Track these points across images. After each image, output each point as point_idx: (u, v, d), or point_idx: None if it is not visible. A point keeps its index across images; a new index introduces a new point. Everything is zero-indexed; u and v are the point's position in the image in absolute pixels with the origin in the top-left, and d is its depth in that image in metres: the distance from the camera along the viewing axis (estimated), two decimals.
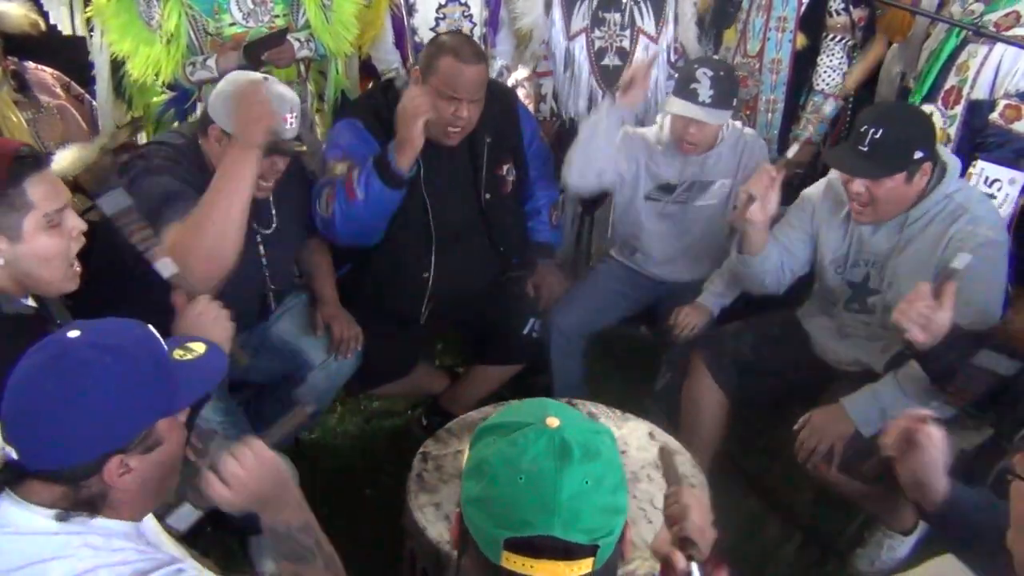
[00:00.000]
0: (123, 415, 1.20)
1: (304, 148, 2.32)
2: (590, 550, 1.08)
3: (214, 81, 2.72)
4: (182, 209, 1.99)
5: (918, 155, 2.23)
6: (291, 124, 2.25)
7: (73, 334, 1.22)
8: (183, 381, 1.28)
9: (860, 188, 2.29)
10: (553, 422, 1.10)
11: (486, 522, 1.07)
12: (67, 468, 1.19)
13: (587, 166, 2.74)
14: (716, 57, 3.10)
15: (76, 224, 1.70)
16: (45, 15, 2.97)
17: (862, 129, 2.24)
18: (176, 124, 2.88)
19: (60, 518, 1.19)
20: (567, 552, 1.06)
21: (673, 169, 2.86)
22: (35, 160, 1.65)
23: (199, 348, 1.34)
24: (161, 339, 1.31)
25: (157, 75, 2.73)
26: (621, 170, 2.84)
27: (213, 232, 1.91)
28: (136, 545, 1.26)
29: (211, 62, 2.74)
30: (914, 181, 2.27)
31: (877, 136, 2.21)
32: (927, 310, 1.97)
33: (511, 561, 1.06)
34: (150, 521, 1.37)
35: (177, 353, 1.31)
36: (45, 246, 1.64)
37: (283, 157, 2.30)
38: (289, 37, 2.82)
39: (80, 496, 1.21)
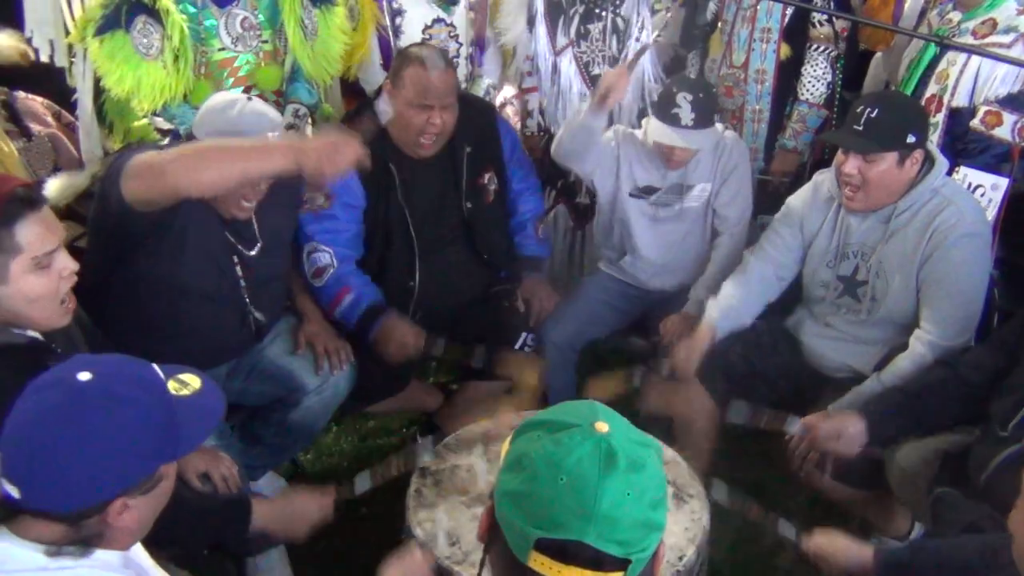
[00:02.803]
0: (130, 463, 1.21)
1: None
2: (621, 563, 1.04)
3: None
4: None
5: (911, 139, 2.27)
6: None
7: (84, 376, 1.20)
8: (185, 424, 1.27)
9: (852, 170, 2.32)
10: (602, 427, 1.06)
11: (519, 518, 1.04)
12: (70, 511, 1.19)
13: (572, 154, 2.81)
14: (693, 77, 3.14)
15: (67, 265, 1.69)
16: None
17: (858, 110, 2.31)
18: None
19: (51, 553, 1.19)
20: (597, 562, 1.03)
21: (655, 175, 2.89)
22: (30, 201, 1.64)
23: (194, 382, 1.33)
24: (163, 377, 1.30)
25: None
26: (604, 166, 2.91)
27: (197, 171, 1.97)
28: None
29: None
30: (905, 166, 2.31)
31: (872, 115, 2.27)
32: (830, 441, 2.20)
33: (538, 562, 1.03)
34: (137, 547, 1.37)
35: (172, 386, 1.30)
36: (32, 286, 1.64)
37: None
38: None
39: (79, 535, 1.21)
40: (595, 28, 3.15)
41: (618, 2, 3.11)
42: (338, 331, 2.67)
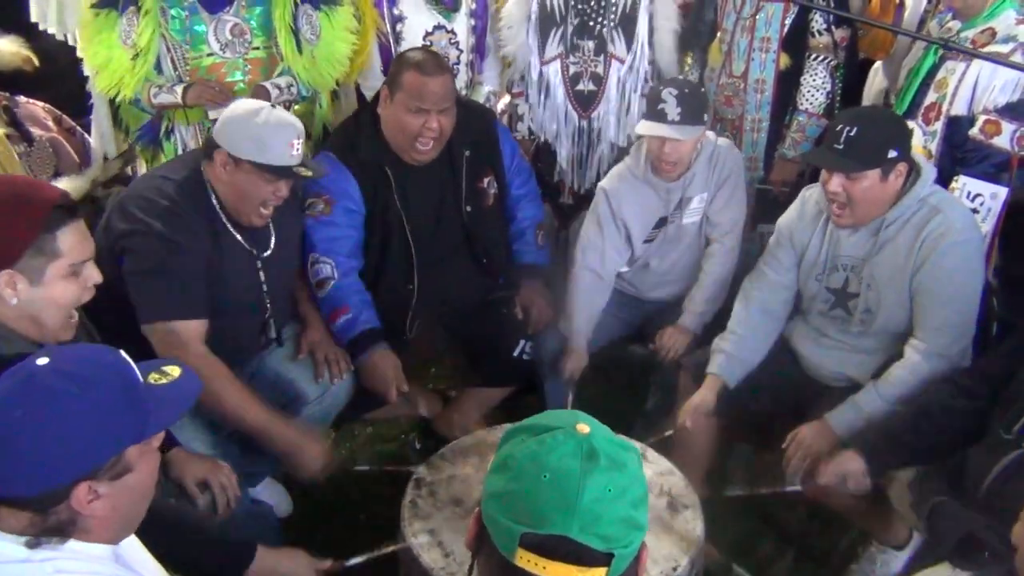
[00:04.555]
0: (89, 443, 1.19)
1: (310, 174, 2.34)
2: (604, 558, 1.06)
3: (176, 107, 2.75)
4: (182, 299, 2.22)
5: (892, 154, 2.27)
6: (297, 150, 2.27)
7: (42, 361, 1.22)
8: (155, 406, 1.27)
9: (837, 188, 2.32)
10: (584, 428, 1.11)
11: (505, 516, 1.07)
12: (34, 495, 1.18)
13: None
14: (682, 77, 3.14)
15: (93, 276, 1.74)
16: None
17: (837, 128, 2.30)
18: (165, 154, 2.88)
19: (30, 545, 1.19)
20: (580, 557, 1.05)
21: (657, 203, 2.88)
22: (71, 211, 1.70)
23: (174, 372, 1.33)
24: (133, 364, 1.29)
25: (119, 91, 2.74)
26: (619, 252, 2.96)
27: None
28: (113, 570, 1.26)
29: (178, 88, 2.73)
30: (889, 181, 2.31)
31: (852, 134, 2.26)
32: (839, 487, 2.21)
33: (524, 559, 1.05)
34: (131, 544, 1.36)
35: (152, 377, 1.30)
36: (61, 292, 1.68)
37: (287, 182, 2.31)
38: (267, 84, 2.82)
39: (48, 523, 1.20)
40: (584, 44, 3.16)
41: (613, 17, 3.11)
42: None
